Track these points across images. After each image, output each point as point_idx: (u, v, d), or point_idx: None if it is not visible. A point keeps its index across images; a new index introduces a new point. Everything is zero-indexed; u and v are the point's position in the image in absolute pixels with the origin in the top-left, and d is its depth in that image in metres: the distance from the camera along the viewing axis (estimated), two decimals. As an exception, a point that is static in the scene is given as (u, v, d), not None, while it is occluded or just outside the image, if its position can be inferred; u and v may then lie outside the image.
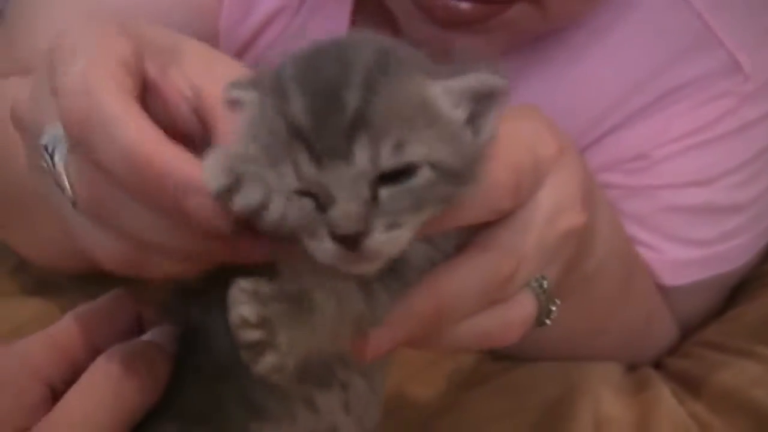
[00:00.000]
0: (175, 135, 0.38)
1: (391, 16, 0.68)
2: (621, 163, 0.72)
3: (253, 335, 0.36)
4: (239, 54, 0.74)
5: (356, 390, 0.47)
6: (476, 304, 0.43)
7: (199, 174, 0.36)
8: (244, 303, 0.36)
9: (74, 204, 0.41)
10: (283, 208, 0.36)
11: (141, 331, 0.48)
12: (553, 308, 0.47)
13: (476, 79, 0.38)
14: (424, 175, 0.36)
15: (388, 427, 0.51)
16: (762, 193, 0.74)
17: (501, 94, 0.39)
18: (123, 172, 0.37)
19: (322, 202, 0.35)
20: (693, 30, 0.71)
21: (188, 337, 0.46)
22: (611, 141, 0.73)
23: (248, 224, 0.37)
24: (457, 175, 0.37)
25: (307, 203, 0.36)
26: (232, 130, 0.39)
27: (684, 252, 0.72)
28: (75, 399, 0.43)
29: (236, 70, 0.43)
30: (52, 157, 0.41)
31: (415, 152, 0.36)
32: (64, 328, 0.47)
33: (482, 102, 0.38)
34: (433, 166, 0.36)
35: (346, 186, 0.35)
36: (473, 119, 0.39)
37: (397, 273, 0.40)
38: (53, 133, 0.41)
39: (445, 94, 0.38)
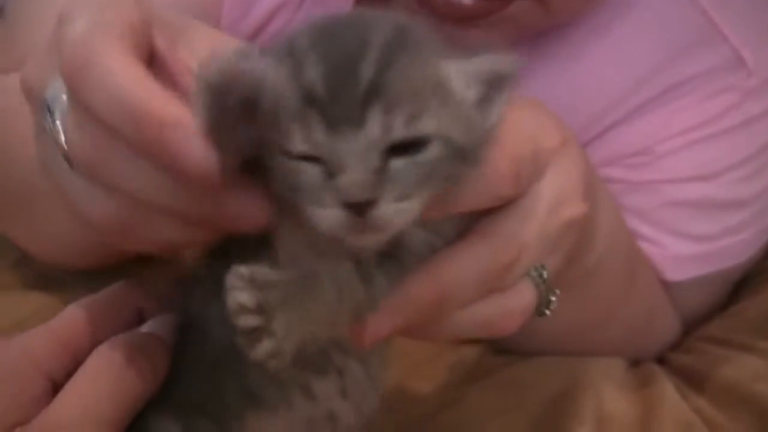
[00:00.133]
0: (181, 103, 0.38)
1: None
2: (623, 158, 0.72)
3: (250, 321, 0.36)
4: None
5: (353, 375, 0.47)
6: (476, 292, 0.43)
7: (190, 116, 0.36)
8: (241, 289, 0.37)
9: (70, 162, 0.41)
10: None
11: (142, 323, 0.48)
12: (553, 298, 0.47)
13: (490, 63, 0.39)
14: (434, 150, 0.36)
15: (389, 422, 0.51)
16: (765, 188, 0.73)
17: (512, 79, 0.39)
18: (116, 118, 0.37)
19: (330, 169, 0.35)
20: (697, 25, 0.70)
21: (187, 327, 0.47)
22: (613, 136, 0.73)
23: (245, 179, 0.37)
24: (465, 155, 0.38)
25: (314, 170, 0.36)
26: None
27: (686, 247, 0.72)
28: (75, 390, 0.43)
29: None
30: (51, 114, 0.41)
31: (427, 125, 0.36)
32: (66, 321, 0.47)
33: (493, 86, 0.39)
34: (444, 141, 0.36)
35: (358, 153, 0.35)
36: (483, 102, 0.39)
37: (396, 258, 0.40)
38: (55, 88, 0.41)
39: (458, 74, 0.38)
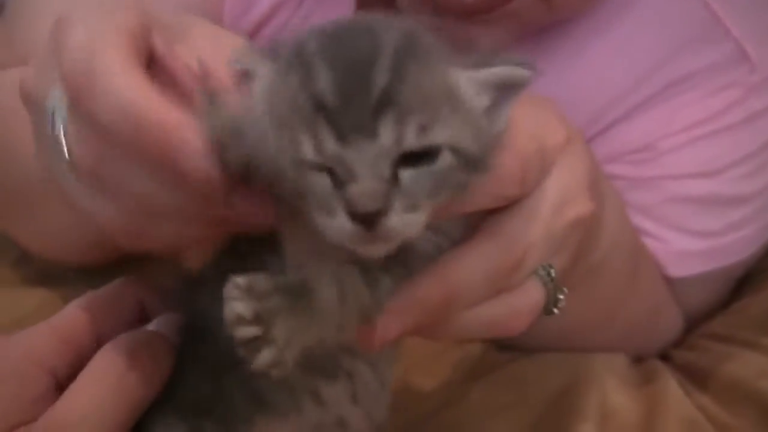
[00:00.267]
0: (183, 108, 0.38)
1: (395, 7, 0.68)
2: (626, 154, 0.72)
3: (248, 332, 0.36)
4: None
5: (363, 380, 0.46)
6: (484, 292, 0.42)
7: (192, 126, 0.37)
8: (238, 299, 0.36)
9: (73, 169, 0.41)
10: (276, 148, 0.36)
11: (145, 319, 0.48)
12: (561, 297, 0.47)
13: (503, 71, 0.38)
14: (445, 160, 0.36)
15: (392, 419, 0.51)
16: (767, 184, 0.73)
17: (524, 86, 0.39)
18: (118, 125, 0.37)
19: (340, 178, 0.35)
20: (700, 20, 0.70)
21: (193, 327, 0.46)
22: (617, 132, 0.72)
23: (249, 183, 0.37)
24: (474, 163, 0.37)
25: (324, 179, 0.35)
26: (239, 100, 0.39)
27: (689, 243, 0.72)
28: (80, 390, 0.43)
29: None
30: (53, 123, 0.41)
31: (439, 135, 0.36)
32: (67, 318, 0.46)
33: (503, 92, 0.39)
34: (454, 151, 0.36)
35: (369, 163, 0.35)
36: (491, 108, 0.39)
37: (402, 259, 0.40)
38: (55, 97, 0.41)
39: (468, 81, 0.38)
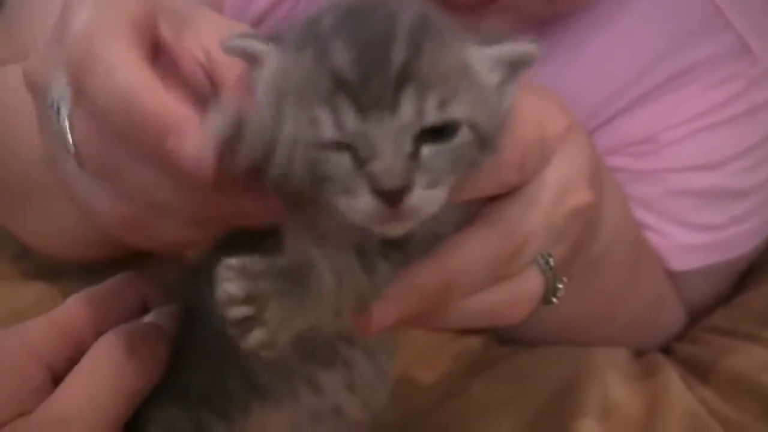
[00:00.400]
0: (187, 98, 0.38)
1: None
2: (628, 147, 0.72)
3: (239, 312, 0.36)
4: None
5: (360, 368, 0.46)
6: (483, 279, 0.42)
7: (190, 116, 0.37)
8: (229, 280, 0.36)
9: (77, 160, 0.41)
10: (288, 155, 0.35)
11: (146, 314, 0.48)
12: (560, 286, 0.47)
13: (514, 47, 0.38)
14: (464, 136, 0.36)
15: (392, 412, 0.51)
16: None
17: (532, 63, 0.39)
18: (113, 109, 0.37)
19: (361, 156, 0.35)
20: (702, 12, 0.70)
21: (191, 317, 0.46)
22: (618, 124, 0.72)
23: (252, 181, 0.37)
24: (487, 141, 0.37)
25: (344, 158, 0.35)
26: (243, 84, 0.39)
27: (691, 236, 0.72)
28: (76, 382, 0.43)
29: None
30: (58, 112, 0.41)
31: (457, 110, 0.36)
32: (68, 312, 0.46)
33: (513, 69, 0.39)
34: (472, 126, 0.36)
35: (391, 138, 0.34)
36: (501, 86, 0.39)
37: (400, 246, 0.40)
38: (60, 87, 0.41)
39: (482, 58, 0.38)
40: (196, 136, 0.36)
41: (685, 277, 0.73)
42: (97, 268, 0.67)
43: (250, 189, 0.38)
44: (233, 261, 0.37)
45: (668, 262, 0.72)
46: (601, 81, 0.72)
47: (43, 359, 0.44)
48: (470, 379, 0.67)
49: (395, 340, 0.49)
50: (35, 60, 0.44)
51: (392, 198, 0.34)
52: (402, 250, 0.40)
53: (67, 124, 0.41)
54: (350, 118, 0.34)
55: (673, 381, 0.67)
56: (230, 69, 0.40)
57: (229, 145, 0.36)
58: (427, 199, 0.35)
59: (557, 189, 0.45)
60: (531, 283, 0.45)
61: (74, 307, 0.47)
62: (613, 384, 0.66)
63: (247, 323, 0.36)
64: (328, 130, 0.35)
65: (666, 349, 0.75)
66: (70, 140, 0.41)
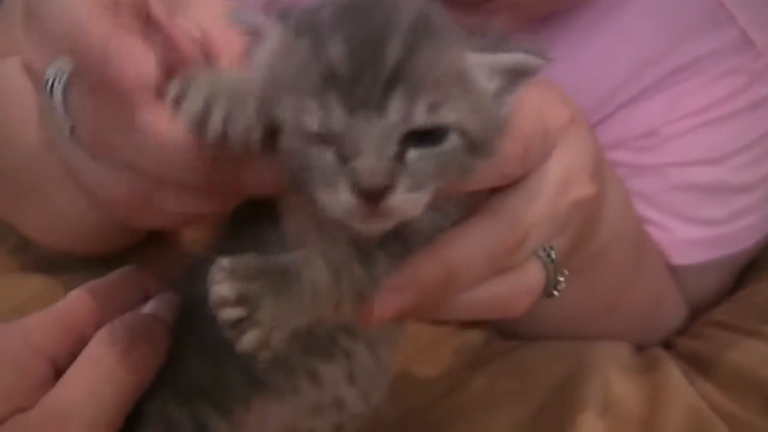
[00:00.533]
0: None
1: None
2: (630, 141, 0.72)
3: (231, 313, 0.36)
4: None
5: (360, 360, 0.46)
6: (484, 271, 0.42)
7: (134, 42, 0.37)
8: (221, 282, 0.36)
9: (75, 137, 0.41)
10: (225, 114, 0.35)
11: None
12: (561, 279, 0.47)
13: (516, 58, 0.38)
14: (452, 142, 0.36)
15: (393, 407, 0.51)
16: None
17: (534, 74, 0.39)
18: (66, 44, 0.38)
19: (345, 152, 0.35)
20: (704, 6, 0.70)
21: (191, 311, 0.46)
22: (620, 118, 0.72)
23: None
24: (479, 147, 0.37)
25: (328, 153, 0.35)
26: (240, 59, 0.39)
27: (693, 231, 0.72)
28: (76, 376, 0.43)
29: None
30: (54, 94, 0.41)
31: (448, 115, 0.35)
32: (70, 306, 0.46)
33: (513, 78, 0.38)
34: (462, 133, 0.36)
35: (376, 139, 0.34)
36: (499, 93, 0.39)
37: (400, 238, 0.40)
38: (56, 68, 0.41)
39: (481, 65, 0.38)
40: (139, 60, 0.37)
41: (686, 271, 0.73)
42: (97, 261, 0.67)
43: (248, 159, 0.38)
44: (225, 262, 0.37)
45: (670, 257, 0.72)
46: (602, 76, 0.72)
47: (45, 354, 0.44)
48: (471, 374, 0.67)
49: (397, 332, 0.49)
50: (32, 45, 0.44)
51: (372, 197, 0.34)
52: (401, 242, 0.40)
53: (61, 100, 0.41)
54: (337, 114, 0.34)
55: (675, 376, 0.67)
56: (226, 45, 0.40)
57: (203, 116, 0.36)
58: (408, 201, 0.35)
59: (559, 181, 0.45)
60: (532, 275, 0.45)
61: (76, 302, 0.46)
62: (614, 379, 0.66)
63: (240, 324, 0.36)
64: (314, 123, 0.35)
65: (667, 344, 0.74)
66: (66, 119, 0.41)
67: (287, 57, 0.36)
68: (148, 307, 0.47)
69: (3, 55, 0.69)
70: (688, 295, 0.76)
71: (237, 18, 0.38)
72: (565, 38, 0.71)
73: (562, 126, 0.45)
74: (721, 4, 0.69)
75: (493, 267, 0.43)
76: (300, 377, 0.45)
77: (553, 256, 0.45)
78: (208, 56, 0.41)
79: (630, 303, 0.70)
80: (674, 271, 0.73)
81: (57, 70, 0.41)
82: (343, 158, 0.35)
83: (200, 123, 0.35)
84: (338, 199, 0.35)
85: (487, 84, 0.38)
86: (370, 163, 0.34)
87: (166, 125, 0.37)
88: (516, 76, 0.39)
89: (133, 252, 0.71)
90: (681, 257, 0.72)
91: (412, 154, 0.35)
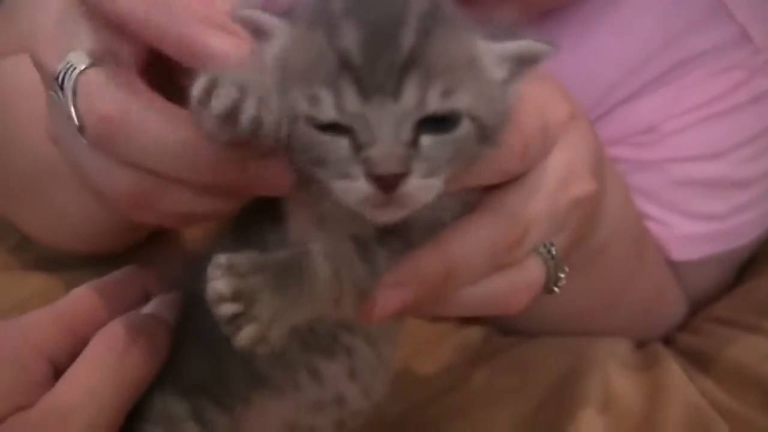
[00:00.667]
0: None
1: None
2: (630, 137, 0.72)
3: (228, 309, 0.36)
4: None
5: (361, 356, 0.46)
6: (484, 267, 0.42)
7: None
8: (218, 278, 0.36)
9: (83, 132, 0.41)
10: (256, 110, 0.35)
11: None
12: (561, 276, 0.47)
13: (524, 45, 0.38)
14: (465, 128, 0.36)
15: (394, 404, 0.51)
16: None
17: (539, 61, 0.39)
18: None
19: (360, 139, 0.35)
20: (704, 2, 0.70)
21: (192, 307, 0.46)
22: (620, 114, 0.72)
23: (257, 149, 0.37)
24: (488, 135, 0.37)
25: (342, 140, 0.35)
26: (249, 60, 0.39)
27: (694, 226, 0.72)
28: (77, 375, 0.43)
29: None
30: (63, 90, 0.41)
31: (461, 101, 0.35)
32: (71, 304, 0.46)
33: (520, 66, 0.39)
34: (474, 119, 0.36)
35: (391, 124, 0.34)
36: (507, 81, 0.39)
37: (400, 234, 0.40)
38: (65, 63, 0.41)
39: (490, 52, 0.38)
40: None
41: (686, 267, 0.73)
42: (98, 260, 0.67)
43: (255, 157, 0.38)
44: (222, 258, 0.37)
45: (670, 253, 0.72)
46: (602, 71, 0.72)
47: (45, 352, 0.44)
48: (472, 370, 0.67)
49: (397, 328, 0.49)
50: (43, 42, 0.44)
51: (387, 184, 0.34)
52: (401, 238, 0.40)
53: (71, 95, 0.41)
54: (352, 101, 0.34)
55: (675, 372, 0.67)
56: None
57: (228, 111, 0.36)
58: (422, 187, 0.35)
59: (559, 177, 0.45)
60: (532, 271, 0.45)
61: (77, 300, 0.47)
62: (614, 375, 0.66)
63: (237, 320, 0.36)
64: (329, 111, 0.35)
65: (667, 340, 0.74)
66: (74, 114, 0.41)
67: (300, 50, 0.36)
68: (149, 307, 0.47)
69: (3, 55, 0.69)
70: (688, 291, 0.75)
71: (239, 17, 0.38)
72: (565, 33, 0.71)
73: (563, 122, 0.45)
74: (720, 1, 0.69)
75: (493, 263, 0.43)
76: (301, 373, 0.45)
77: (554, 252, 0.45)
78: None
79: (630, 299, 0.70)
80: (674, 266, 0.73)
81: (67, 65, 0.41)
82: (358, 146, 0.35)
83: (233, 114, 0.35)
84: (353, 188, 0.35)
85: (496, 72, 0.38)
86: (385, 150, 0.34)
87: (173, 123, 0.37)
88: (522, 64, 0.39)
89: (135, 250, 0.71)
90: (681, 253, 0.72)
91: (426, 140, 0.35)
